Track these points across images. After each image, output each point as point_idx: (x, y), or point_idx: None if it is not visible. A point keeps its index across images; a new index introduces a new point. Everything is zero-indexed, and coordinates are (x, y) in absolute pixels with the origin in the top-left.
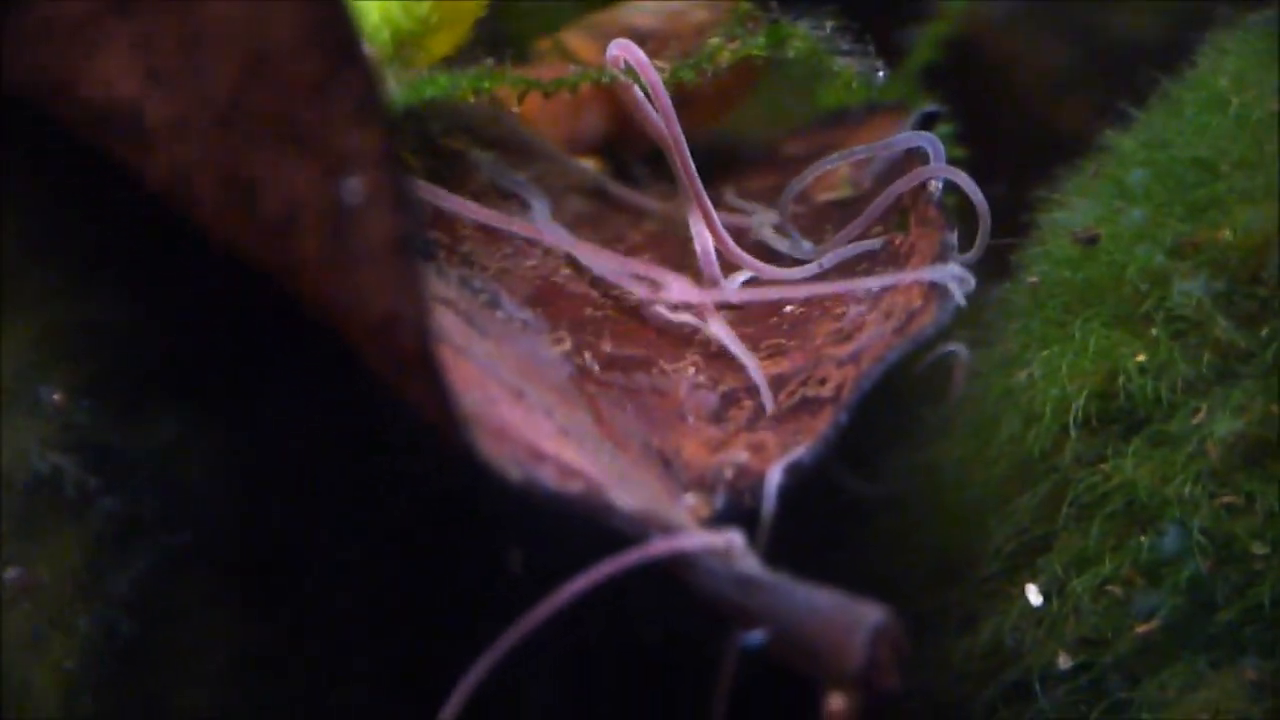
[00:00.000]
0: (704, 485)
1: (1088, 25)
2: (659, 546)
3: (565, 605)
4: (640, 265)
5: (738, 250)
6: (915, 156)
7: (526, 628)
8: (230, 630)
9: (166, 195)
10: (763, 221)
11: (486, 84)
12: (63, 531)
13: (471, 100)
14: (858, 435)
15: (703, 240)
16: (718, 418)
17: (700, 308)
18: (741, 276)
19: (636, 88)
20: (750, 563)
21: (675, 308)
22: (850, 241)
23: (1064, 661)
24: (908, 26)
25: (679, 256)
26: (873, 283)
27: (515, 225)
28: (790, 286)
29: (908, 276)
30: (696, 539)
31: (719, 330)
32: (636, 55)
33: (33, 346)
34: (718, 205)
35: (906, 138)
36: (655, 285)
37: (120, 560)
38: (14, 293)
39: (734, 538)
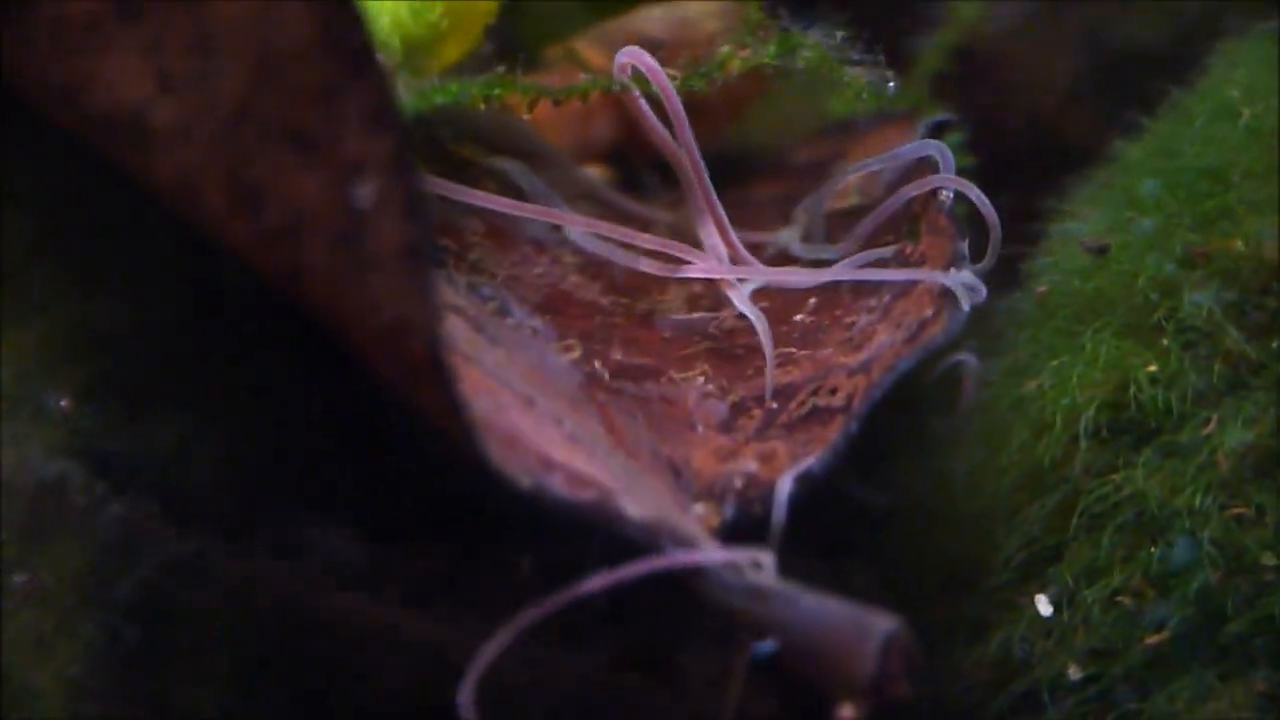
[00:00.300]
0: (714, 494)
1: (1097, 34)
2: (683, 559)
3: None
4: (666, 242)
5: (748, 256)
6: (926, 165)
7: (536, 616)
8: (234, 635)
9: (172, 200)
10: (790, 237)
11: (497, 91)
12: (68, 537)
13: (482, 107)
14: (868, 444)
15: (714, 246)
16: (727, 427)
17: (722, 284)
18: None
19: (641, 96)
20: (767, 572)
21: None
22: (860, 242)
23: (1074, 672)
24: (917, 35)
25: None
26: (885, 274)
27: (540, 213)
28: (807, 275)
29: (920, 275)
30: (722, 554)
31: (739, 301)
32: (647, 61)
33: (37, 351)
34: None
35: (917, 147)
36: (677, 263)
37: (125, 566)
38: (18, 297)
39: (764, 557)
